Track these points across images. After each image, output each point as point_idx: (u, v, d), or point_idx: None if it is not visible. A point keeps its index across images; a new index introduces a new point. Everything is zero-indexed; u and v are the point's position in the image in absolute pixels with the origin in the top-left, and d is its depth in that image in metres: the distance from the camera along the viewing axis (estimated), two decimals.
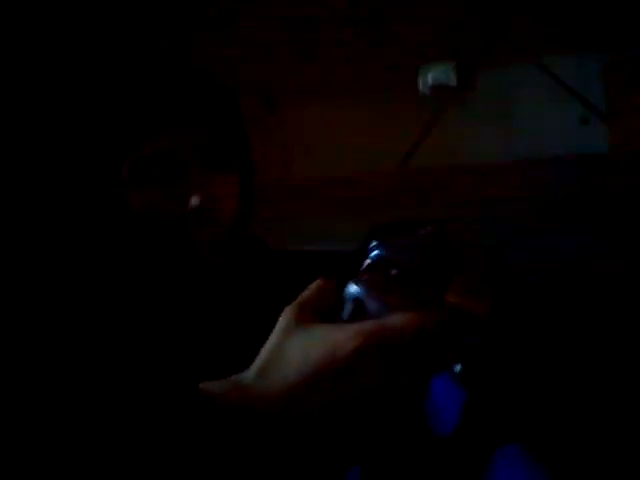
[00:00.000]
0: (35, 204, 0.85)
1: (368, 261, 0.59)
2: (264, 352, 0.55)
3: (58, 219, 0.87)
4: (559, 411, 0.69)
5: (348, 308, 0.56)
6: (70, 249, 0.86)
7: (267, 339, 0.57)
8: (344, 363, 0.50)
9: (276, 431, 0.52)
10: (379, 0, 1.74)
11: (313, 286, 0.57)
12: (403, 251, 0.57)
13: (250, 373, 0.55)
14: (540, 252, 1.61)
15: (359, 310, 0.55)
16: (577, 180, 1.69)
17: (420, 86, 1.80)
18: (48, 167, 0.82)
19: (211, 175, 0.77)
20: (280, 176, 1.81)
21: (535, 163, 1.75)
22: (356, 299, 0.56)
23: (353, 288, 0.56)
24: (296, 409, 0.52)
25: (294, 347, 0.53)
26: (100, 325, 0.77)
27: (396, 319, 0.52)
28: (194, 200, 0.74)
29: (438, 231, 0.60)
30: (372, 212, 1.76)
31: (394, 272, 0.57)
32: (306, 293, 0.57)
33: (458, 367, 0.67)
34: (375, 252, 0.59)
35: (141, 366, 0.73)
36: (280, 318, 0.55)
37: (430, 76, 1.78)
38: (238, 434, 0.51)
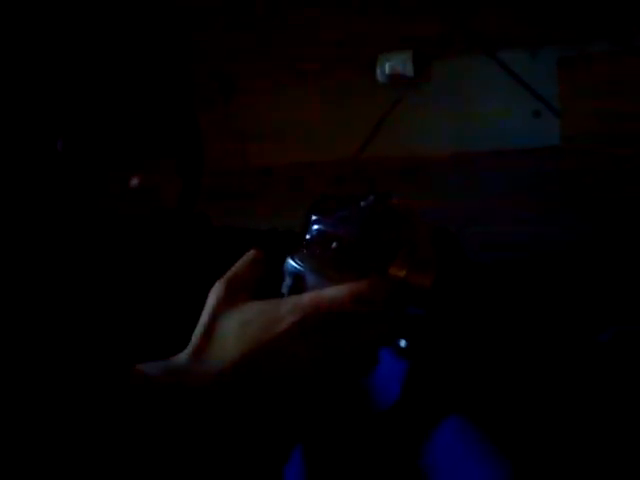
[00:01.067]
0: None
1: (308, 236, 0.58)
2: (197, 332, 0.55)
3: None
4: (501, 383, 0.70)
5: (287, 283, 0.56)
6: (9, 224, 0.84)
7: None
8: (282, 338, 0.51)
9: (215, 411, 0.51)
10: None
11: (242, 260, 0.57)
12: (343, 224, 0.57)
13: (185, 354, 0.54)
14: (492, 238, 1.64)
15: (298, 284, 0.56)
16: (528, 170, 1.71)
17: (378, 75, 1.80)
18: None
19: (150, 157, 0.77)
20: (236, 162, 1.80)
21: (487, 154, 1.77)
22: (295, 273, 0.56)
23: (292, 263, 0.56)
24: (235, 388, 0.52)
25: (229, 326, 0.53)
26: (35, 304, 0.75)
27: (332, 290, 0.52)
28: (133, 180, 0.74)
29: (380, 204, 0.59)
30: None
31: (334, 245, 0.57)
32: (235, 267, 0.57)
33: (403, 342, 0.67)
34: (315, 226, 0.58)
35: (76, 347, 0.71)
36: (210, 294, 0.54)
37: (388, 65, 1.78)
38: (173, 416, 0.50)
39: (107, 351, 0.69)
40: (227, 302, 0.54)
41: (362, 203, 0.59)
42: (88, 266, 0.79)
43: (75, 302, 0.76)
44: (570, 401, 0.71)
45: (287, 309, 0.52)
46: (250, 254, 0.58)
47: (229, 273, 0.57)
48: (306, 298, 0.53)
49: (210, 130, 1.72)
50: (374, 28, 1.75)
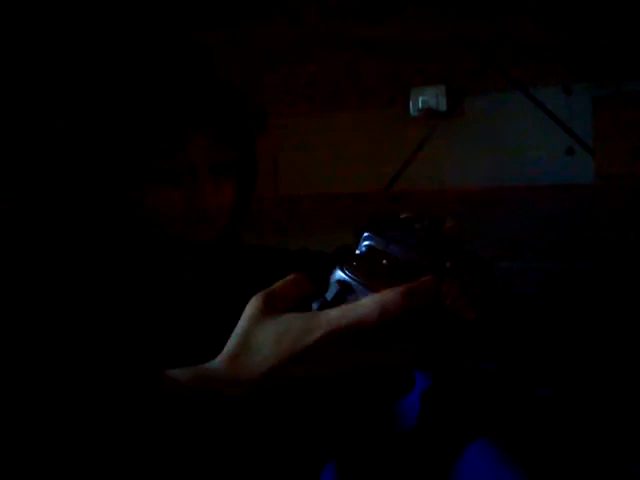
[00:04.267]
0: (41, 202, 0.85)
1: (359, 251, 0.58)
2: (233, 339, 0.55)
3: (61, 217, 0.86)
4: (529, 406, 0.68)
5: (332, 290, 0.55)
6: (69, 244, 0.86)
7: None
8: (313, 349, 0.50)
9: (246, 417, 0.51)
10: (373, 21, 1.76)
11: (283, 279, 0.57)
12: (395, 244, 0.57)
13: (218, 361, 0.54)
14: (520, 273, 1.62)
15: (342, 294, 0.55)
16: (562, 207, 1.70)
17: (411, 108, 1.82)
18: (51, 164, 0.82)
19: (213, 180, 0.80)
20: (268, 190, 1.81)
21: (520, 190, 1.77)
22: (342, 283, 0.55)
23: (340, 273, 0.56)
24: (267, 394, 0.51)
25: (264, 334, 0.53)
26: (81, 315, 0.76)
27: (362, 303, 0.51)
28: (193, 203, 0.77)
29: (433, 227, 0.60)
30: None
31: (384, 262, 0.56)
32: (276, 284, 0.57)
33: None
34: (368, 242, 0.58)
35: (114, 354, 0.72)
36: (247, 306, 0.55)
37: (421, 99, 1.80)
38: (204, 421, 0.50)
39: (142, 359, 0.70)
40: (264, 313, 0.54)
41: (417, 225, 0.59)
42: (130, 278, 0.80)
43: (114, 313, 0.77)
44: (599, 423, 0.70)
45: (319, 321, 0.52)
46: (292, 275, 0.58)
47: (269, 288, 0.56)
48: (338, 311, 0.52)
49: None
50: (408, 62, 1.77)
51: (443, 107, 1.79)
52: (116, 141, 0.77)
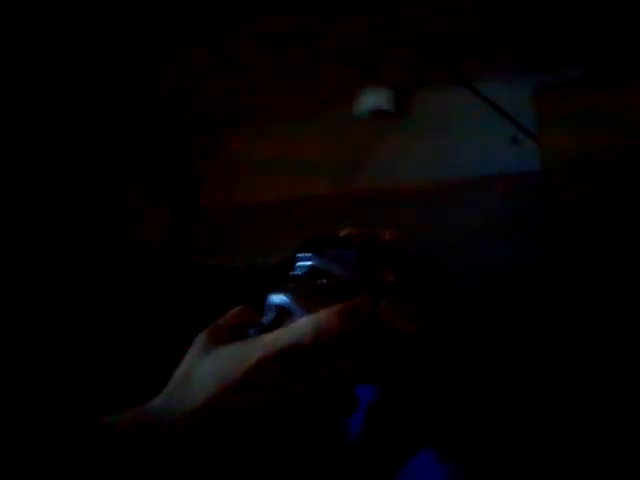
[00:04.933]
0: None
1: (296, 272, 0.58)
2: (175, 376, 0.54)
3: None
4: (476, 416, 0.70)
5: (269, 316, 0.54)
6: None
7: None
8: (251, 372, 0.49)
9: (188, 454, 0.51)
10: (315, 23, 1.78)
11: (228, 314, 0.56)
12: (333, 262, 0.56)
13: (159, 397, 0.53)
14: (477, 265, 1.65)
15: (280, 318, 0.53)
16: (509, 195, 1.74)
17: (358, 110, 1.84)
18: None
19: (146, 207, 0.77)
20: (221, 201, 1.82)
21: (471, 181, 1.80)
22: (278, 307, 0.54)
23: (277, 296, 0.54)
24: (207, 425, 0.50)
25: (204, 367, 0.52)
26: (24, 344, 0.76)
27: (295, 324, 0.51)
28: (118, 233, 0.75)
29: (371, 242, 0.58)
30: (309, 235, 1.77)
31: (322, 282, 0.57)
32: (219, 321, 0.55)
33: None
34: (304, 262, 0.57)
35: (49, 393, 0.71)
36: (192, 345, 0.54)
37: (369, 100, 1.82)
38: (143, 460, 0.50)
39: (77, 405, 0.70)
40: (206, 348, 0.53)
41: (355, 241, 0.58)
42: (71, 312, 0.80)
43: (57, 349, 0.77)
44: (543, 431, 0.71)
45: (254, 347, 0.51)
46: (237, 308, 0.58)
47: (213, 324, 0.56)
48: (272, 335, 0.51)
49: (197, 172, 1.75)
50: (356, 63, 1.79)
51: (392, 107, 1.81)
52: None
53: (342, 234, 0.62)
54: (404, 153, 1.84)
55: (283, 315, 0.54)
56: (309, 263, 0.57)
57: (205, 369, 0.52)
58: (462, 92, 1.79)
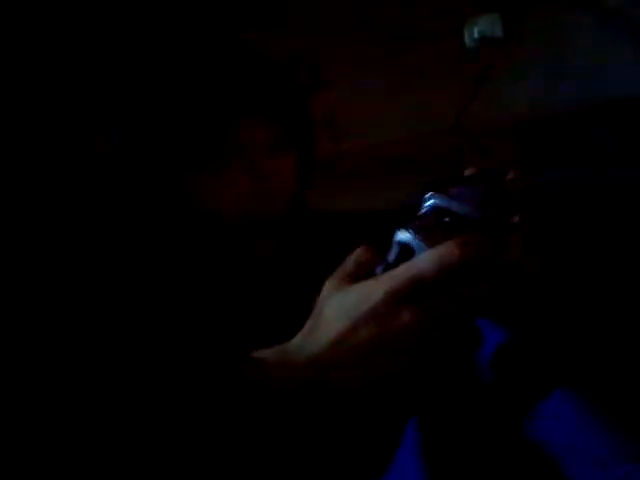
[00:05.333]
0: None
1: (421, 210, 0.58)
2: (309, 321, 0.55)
3: (122, 203, 0.90)
4: (609, 354, 0.67)
5: (394, 251, 0.55)
6: (132, 230, 0.89)
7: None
8: (378, 308, 0.50)
9: (324, 392, 0.51)
10: None
11: (353, 255, 0.57)
12: (457, 200, 0.56)
13: (296, 338, 0.55)
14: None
15: (404, 255, 0.54)
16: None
17: (467, 40, 1.76)
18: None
19: (272, 158, 0.81)
20: (329, 144, 1.80)
21: (602, 107, 1.69)
22: (403, 244, 0.55)
23: (402, 233, 0.55)
24: (338, 360, 0.51)
25: (333, 307, 0.54)
26: (155, 297, 0.79)
27: (421, 257, 0.51)
28: (253, 181, 0.79)
29: (495, 182, 0.58)
30: (423, 175, 1.74)
31: (446, 220, 0.56)
32: (346, 262, 0.57)
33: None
34: (429, 201, 0.58)
35: (194, 336, 0.74)
36: (323, 288, 0.56)
37: (476, 30, 1.73)
38: (288, 400, 0.50)
39: (227, 342, 0.72)
40: (335, 289, 0.55)
41: (480, 181, 0.58)
42: (200, 265, 0.83)
43: (203, 300, 0.80)
44: None
45: (381, 282, 0.52)
46: (360, 249, 0.58)
47: (339, 269, 0.57)
48: (397, 270, 0.52)
49: None
50: None
51: (499, 34, 1.72)
52: (170, 133, 0.79)
53: (466, 173, 0.60)
54: (516, 82, 1.75)
55: (407, 251, 0.54)
56: (432, 202, 0.57)
57: (335, 307, 0.53)
58: (579, 15, 1.67)
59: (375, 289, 0.51)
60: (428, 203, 0.58)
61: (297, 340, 0.54)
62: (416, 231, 0.55)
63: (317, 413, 0.51)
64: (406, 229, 0.55)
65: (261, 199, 0.80)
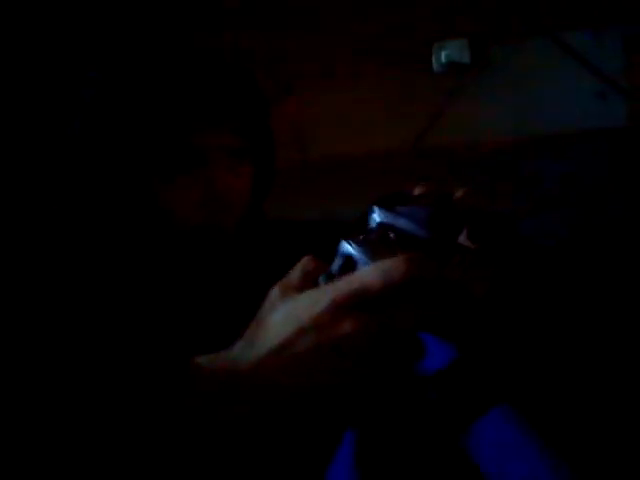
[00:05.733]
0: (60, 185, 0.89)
1: (368, 225, 0.59)
2: (251, 325, 0.57)
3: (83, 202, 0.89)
4: (552, 373, 0.68)
5: (337, 263, 0.57)
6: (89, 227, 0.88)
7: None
8: (320, 317, 0.51)
9: (261, 394, 0.52)
10: None
11: (299, 264, 0.58)
12: (404, 218, 0.57)
13: (236, 345, 0.56)
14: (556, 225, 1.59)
15: (348, 266, 0.56)
16: (594, 153, 1.67)
17: (434, 64, 1.79)
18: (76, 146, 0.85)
19: (227, 170, 0.82)
20: (295, 156, 1.81)
21: (553, 138, 1.73)
22: (347, 255, 0.56)
23: (346, 245, 0.56)
24: (278, 368, 0.52)
25: (276, 315, 0.55)
26: (105, 300, 0.79)
27: (364, 269, 0.53)
28: (208, 190, 0.80)
29: (443, 201, 0.59)
30: (383, 190, 1.75)
31: (391, 236, 0.57)
32: (292, 271, 0.58)
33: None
34: (376, 217, 0.59)
35: (135, 340, 0.74)
36: (267, 296, 0.57)
37: (444, 54, 1.76)
38: (227, 404, 0.52)
39: (167, 349, 0.72)
40: (279, 297, 0.56)
41: (426, 199, 0.59)
42: (151, 269, 0.83)
43: (137, 303, 0.80)
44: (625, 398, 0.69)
45: (325, 291, 0.53)
46: (305, 258, 0.58)
47: (286, 277, 0.58)
48: (342, 280, 0.53)
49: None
50: (427, 16, 1.73)
51: (467, 60, 1.75)
52: (127, 136, 0.79)
53: (416, 191, 0.61)
54: (481, 108, 1.78)
55: (350, 263, 0.55)
56: (378, 218, 0.58)
57: (280, 315, 0.54)
58: (544, 44, 1.71)
59: (319, 298, 0.52)
60: (374, 218, 0.59)
61: (239, 346, 0.55)
62: (359, 244, 0.56)
63: (260, 416, 0.52)
64: (350, 242, 0.56)
65: (213, 209, 0.81)
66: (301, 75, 1.80)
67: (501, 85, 1.77)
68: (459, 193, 0.60)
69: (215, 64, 0.84)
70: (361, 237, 0.56)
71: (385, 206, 0.58)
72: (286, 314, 0.54)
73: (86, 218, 0.84)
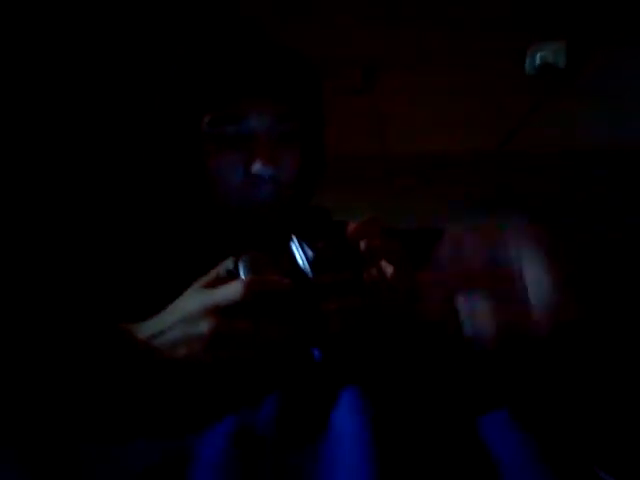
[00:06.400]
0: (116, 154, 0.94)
1: (291, 242, 0.68)
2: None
3: (136, 166, 0.93)
4: (549, 380, 0.69)
5: (223, 269, 0.67)
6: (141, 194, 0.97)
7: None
8: (190, 315, 0.64)
9: (148, 364, 0.64)
10: None
11: (223, 263, 0.68)
12: (301, 252, 0.67)
13: (154, 317, 0.68)
14: None
15: (231, 274, 0.66)
16: None
17: (527, 65, 1.74)
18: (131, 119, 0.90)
19: (276, 145, 0.83)
20: (375, 149, 1.80)
21: None
22: (236, 263, 0.67)
23: (242, 257, 0.67)
24: (157, 352, 0.65)
25: (176, 302, 0.67)
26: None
27: (233, 284, 0.64)
28: (256, 165, 0.82)
29: (336, 239, 0.67)
30: (465, 190, 1.72)
31: (284, 265, 0.66)
32: (219, 265, 0.68)
33: (317, 352, 0.72)
34: (291, 243, 0.68)
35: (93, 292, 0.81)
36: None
37: (539, 55, 1.71)
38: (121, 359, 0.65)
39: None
40: (192, 287, 0.67)
41: (318, 244, 0.67)
42: (185, 241, 0.87)
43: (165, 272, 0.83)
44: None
45: (203, 292, 0.66)
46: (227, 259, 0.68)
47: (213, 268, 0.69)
48: (214, 289, 0.65)
49: (350, 115, 1.75)
50: (524, 15, 1.69)
51: (562, 64, 1.70)
52: (182, 108, 0.84)
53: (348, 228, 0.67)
54: (573, 114, 1.72)
55: (233, 272, 0.66)
56: (290, 245, 0.68)
57: (175, 304, 0.67)
58: None
59: (195, 299, 0.65)
60: (290, 242, 0.68)
61: (148, 322, 0.68)
62: (243, 260, 0.66)
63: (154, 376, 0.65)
64: (242, 255, 0.67)
65: (253, 190, 0.83)
66: (387, 66, 1.78)
67: (596, 92, 1.71)
68: (350, 227, 0.67)
69: (273, 45, 0.86)
70: (254, 254, 0.66)
71: (303, 236, 0.68)
72: (178, 305, 0.66)
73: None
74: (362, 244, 0.66)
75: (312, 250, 0.66)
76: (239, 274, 0.65)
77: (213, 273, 0.67)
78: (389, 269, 0.66)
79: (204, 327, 0.62)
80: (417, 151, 1.80)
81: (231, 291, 0.63)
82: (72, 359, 0.64)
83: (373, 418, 0.57)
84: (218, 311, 0.63)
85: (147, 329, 0.67)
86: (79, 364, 0.64)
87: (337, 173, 1.62)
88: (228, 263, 0.67)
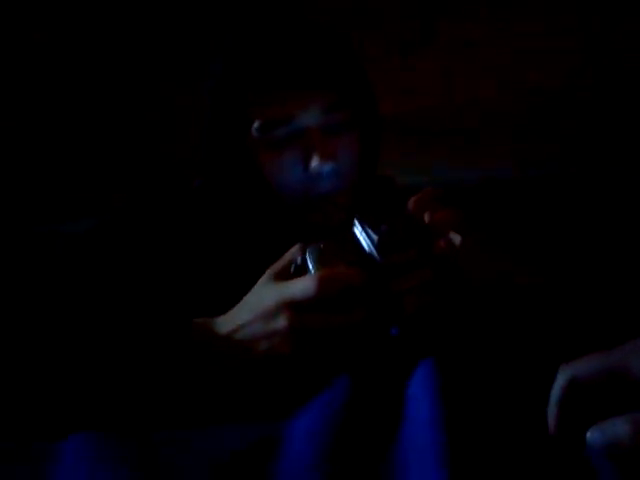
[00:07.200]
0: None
1: (351, 229, 0.69)
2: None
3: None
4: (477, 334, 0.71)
5: (295, 264, 0.68)
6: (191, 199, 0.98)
7: None
8: (265, 312, 0.66)
9: (223, 358, 0.68)
10: None
11: (289, 252, 0.70)
12: (365, 235, 0.66)
13: (225, 315, 0.71)
14: None
15: (301, 270, 0.67)
16: None
17: None
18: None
19: (331, 136, 0.82)
20: (442, 99, 1.78)
21: None
22: (303, 257, 0.67)
23: (310, 247, 0.68)
24: (232, 346, 0.68)
25: (248, 297, 0.70)
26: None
27: (303, 279, 0.65)
28: (314, 161, 0.81)
29: (402, 221, 0.66)
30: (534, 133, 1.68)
31: (349, 249, 0.67)
32: (282, 258, 0.70)
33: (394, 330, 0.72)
34: (354, 227, 0.68)
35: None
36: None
37: None
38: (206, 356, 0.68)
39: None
40: (261, 282, 0.69)
41: (387, 220, 0.66)
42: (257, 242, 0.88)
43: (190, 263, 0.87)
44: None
45: (276, 288, 0.67)
46: (295, 247, 0.70)
47: (276, 261, 0.70)
48: (291, 280, 0.66)
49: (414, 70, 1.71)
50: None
51: None
52: (231, 116, 0.83)
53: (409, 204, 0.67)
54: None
55: (303, 265, 0.67)
56: (353, 229, 0.68)
57: (247, 299, 0.69)
58: None
59: (269, 295, 0.66)
60: (354, 227, 0.68)
61: (223, 317, 0.70)
62: (311, 251, 0.66)
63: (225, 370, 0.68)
64: (309, 246, 0.67)
65: (319, 183, 0.83)
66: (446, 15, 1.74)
67: None
68: (412, 202, 0.67)
69: (307, 28, 0.85)
70: (321, 245, 0.66)
71: (365, 219, 0.67)
72: (251, 300, 0.68)
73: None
74: (426, 216, 0.65)
75: (376, 233, 0.64)
76: (308, 267, 0.66)
77: (282, 262, 0.68)
78: (457, 238, 0.65)
79: (282, 322, 0.64)
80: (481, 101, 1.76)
81: (304, 286, 0.64)
82: (152, 356, 0.68)
83: (446, 396, 0.57)
84: (292, 306, 0.64)
85: (225, 324, 0.69)
86: (160, 361, 0.68)
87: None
88: (295, 252, 0.68)
